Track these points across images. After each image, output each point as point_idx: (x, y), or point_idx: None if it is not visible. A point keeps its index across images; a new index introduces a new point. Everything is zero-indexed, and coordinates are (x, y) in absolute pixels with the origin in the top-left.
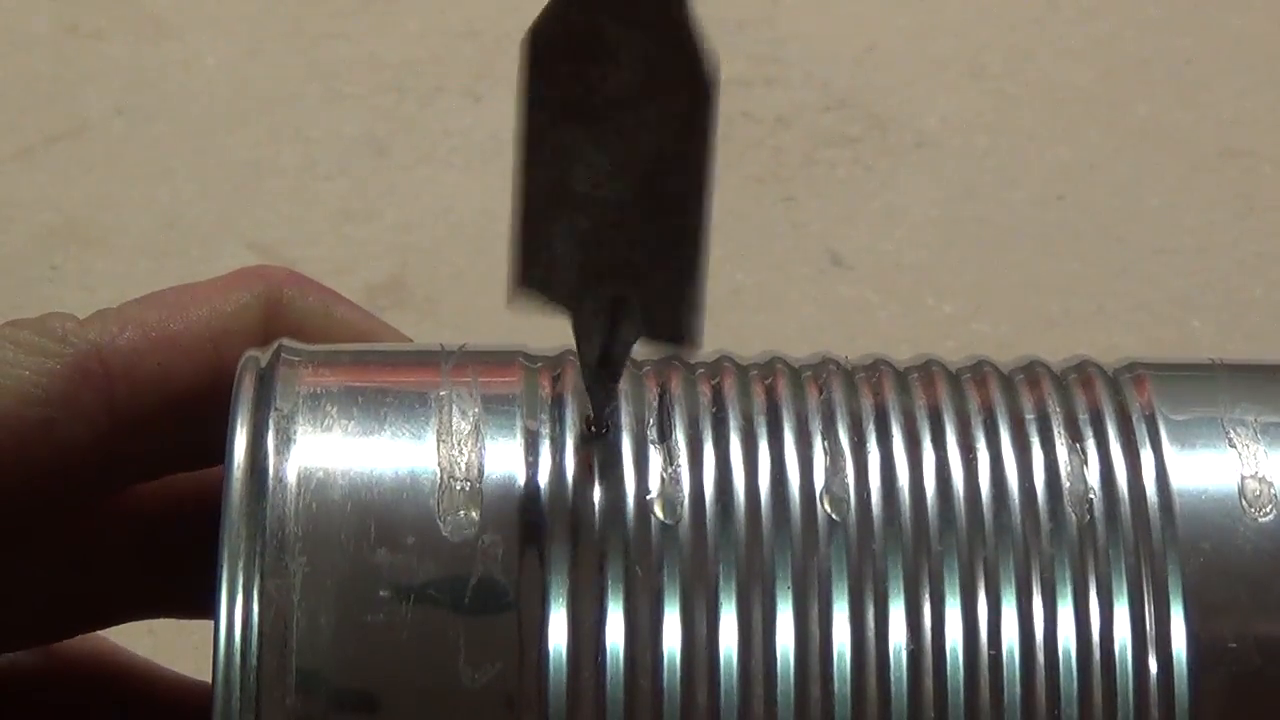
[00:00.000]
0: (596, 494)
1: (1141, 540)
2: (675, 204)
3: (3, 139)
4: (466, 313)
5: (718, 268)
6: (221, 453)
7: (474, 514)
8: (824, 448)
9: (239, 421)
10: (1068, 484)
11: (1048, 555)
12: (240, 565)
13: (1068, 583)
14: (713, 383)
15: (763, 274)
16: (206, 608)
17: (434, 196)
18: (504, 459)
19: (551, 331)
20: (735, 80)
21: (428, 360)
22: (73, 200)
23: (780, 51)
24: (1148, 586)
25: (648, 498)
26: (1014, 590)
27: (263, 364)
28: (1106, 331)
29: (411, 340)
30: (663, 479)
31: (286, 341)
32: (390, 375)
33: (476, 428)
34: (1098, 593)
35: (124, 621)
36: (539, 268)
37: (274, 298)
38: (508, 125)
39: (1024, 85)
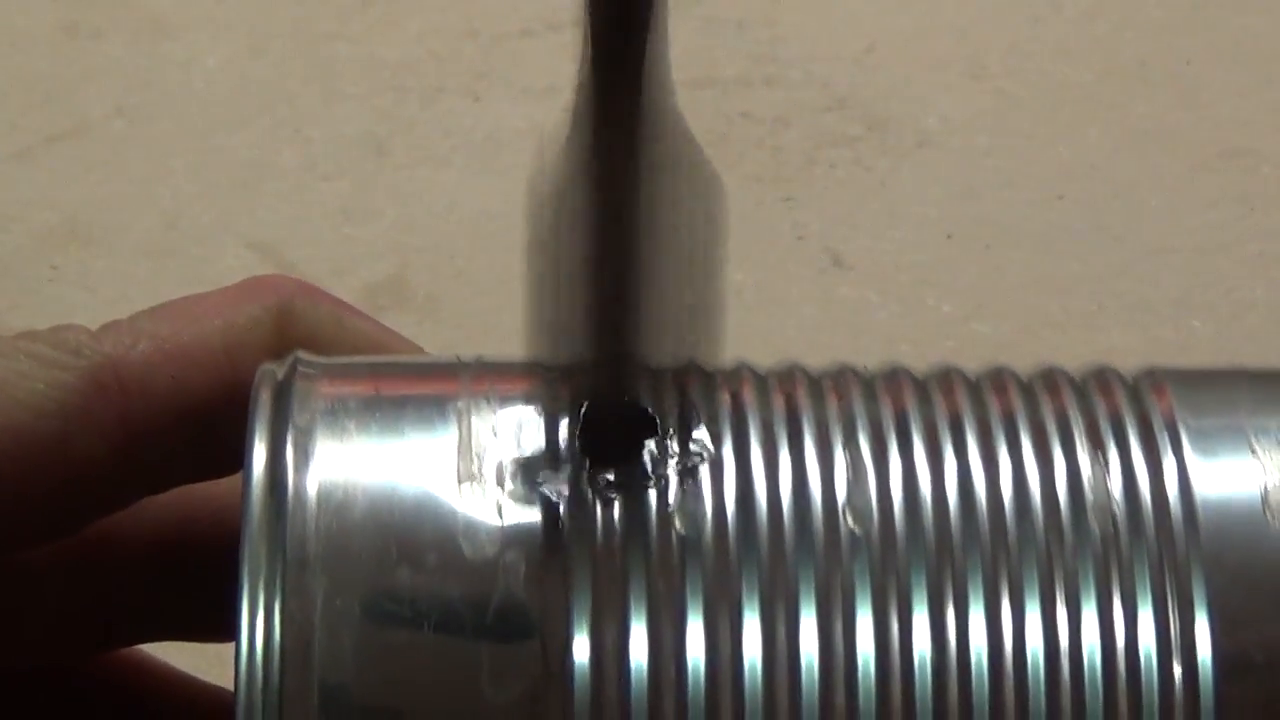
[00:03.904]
0: (618, 508)
1: (1165, 549)
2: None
3: (3, 139)
4: (467, 312)
5: None
6: (235, 464)
7: (495, 532)
8: (845, 458)
9: (256, 437)
10: (1090, 493)
11: (1071, 565)
12: (261, 584)
13: (1091, 592)
14: (731, 391)
15: (763, 274)
16: (222, 630)
17: (434, 196)
18: (524, 474)
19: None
20: (735, 80)
21: (446, 372)
22: (73, 200)
23: (780, 51)
24: (1171, 596)
25: (668, 511)
26: (1038, 600)
27: (279, 377)
28: (1106, 331)
29: (424, 350)
30: (683, 491)
31: (302, 354)
32: (408, 387)
33: (495, 442)
34: (1121, 602)
35: (139, 642)
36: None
37: (285, 309)
38: (508, 125)
39: (1024, 85)
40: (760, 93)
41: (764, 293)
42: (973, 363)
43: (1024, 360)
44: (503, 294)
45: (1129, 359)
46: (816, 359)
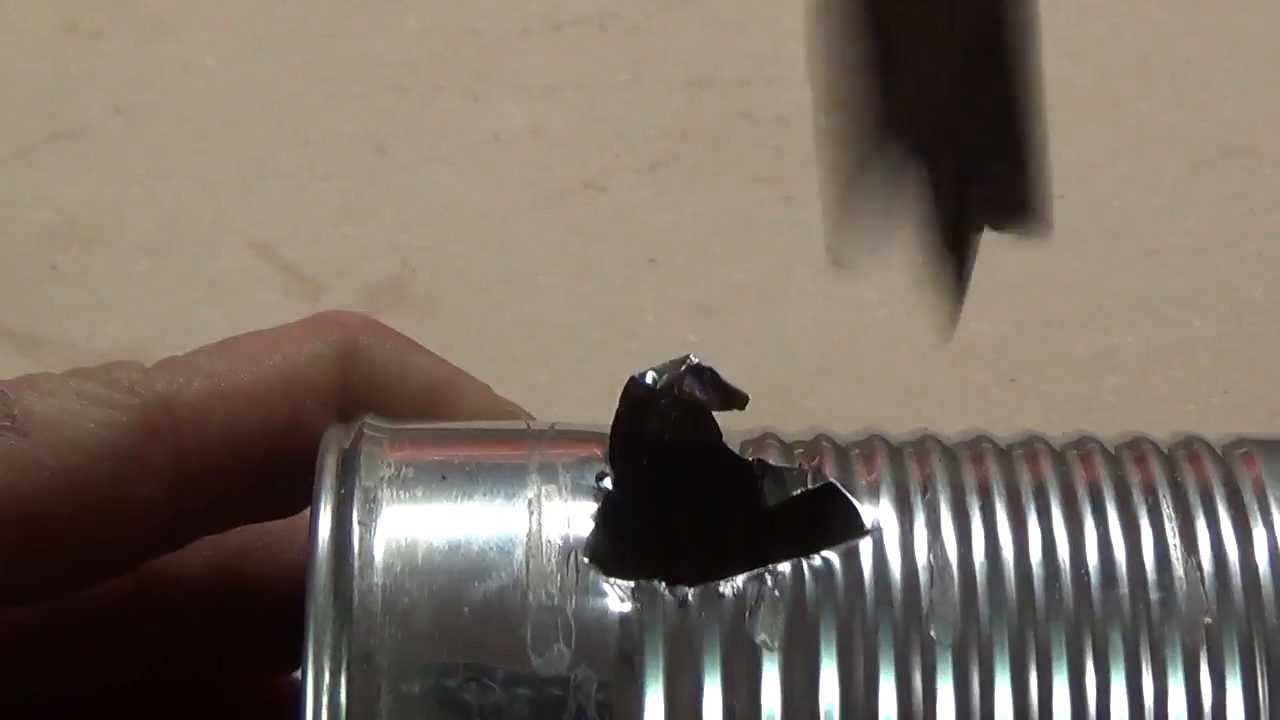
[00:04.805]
0: (693, 619)
1: (1255, 619)
2: (1000, 74)
3: (3, 139)
4: (467, 312)
5: (717, 267)
6: (293, 505)
7: (566, 644)
8: (930, 563)
9: (321, 515)
10: (1179, 563)
11: (1159, 633)
12: (325, 680)
13: (1179, 661)
14: (812, 464)
15: (763, 274)
16: (285, 664)
17: (434, 196)
18: (595, 573)
19: (560, 334)
20: (735, 80)
21: (517, 450)
22: (73, 200)
23: (780, 51)
24: (1261, 666)
25: (746, 623)
26: (1123, 668)
27: (345, 446)
28: (1106, 331)
29: (486, 385)
30: (761, 595)
31: (370, 419)
32: (477, 457)
33: (565, 537)
34: (1210, 672)
35: (203, 670)
36: (883, 120)
37: (349, 346)
38: (508, 125)
39: None
40: (760, 93)
41: (764, 293)
42: (973, 363)
43: (1024, 361)
44: (503, 294)
45: (1129, 359)
46: (816, 359)
